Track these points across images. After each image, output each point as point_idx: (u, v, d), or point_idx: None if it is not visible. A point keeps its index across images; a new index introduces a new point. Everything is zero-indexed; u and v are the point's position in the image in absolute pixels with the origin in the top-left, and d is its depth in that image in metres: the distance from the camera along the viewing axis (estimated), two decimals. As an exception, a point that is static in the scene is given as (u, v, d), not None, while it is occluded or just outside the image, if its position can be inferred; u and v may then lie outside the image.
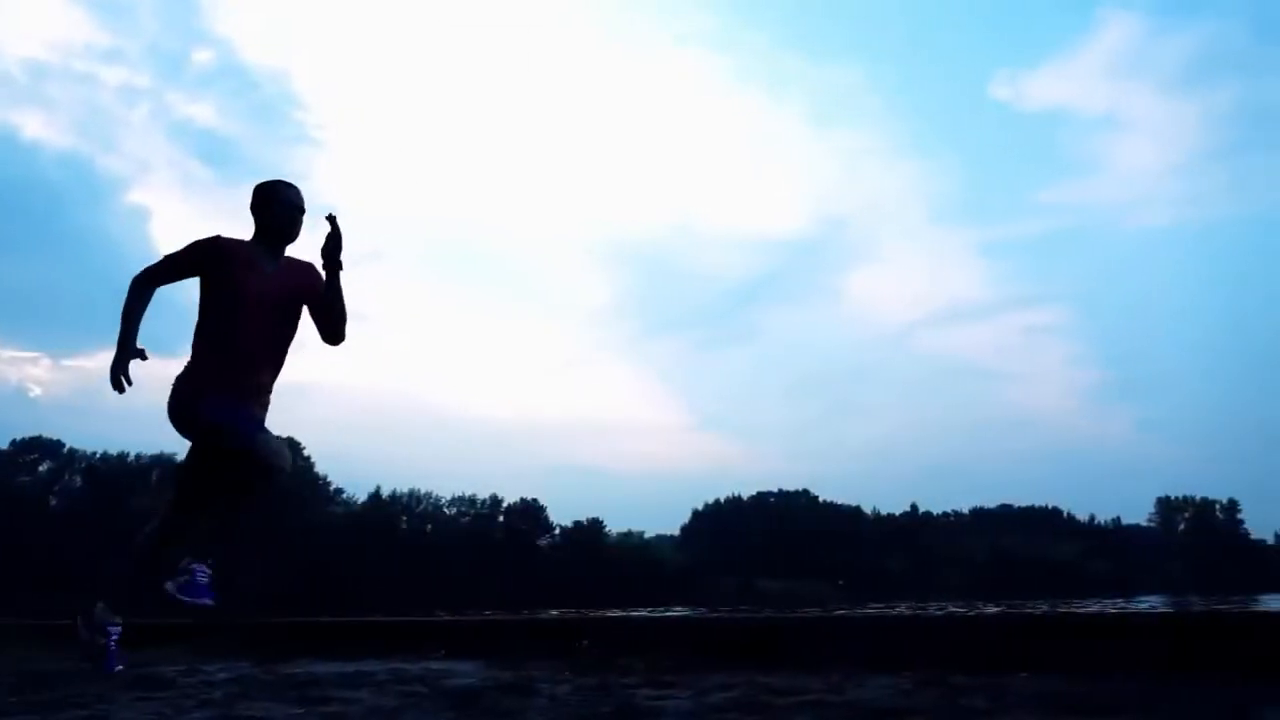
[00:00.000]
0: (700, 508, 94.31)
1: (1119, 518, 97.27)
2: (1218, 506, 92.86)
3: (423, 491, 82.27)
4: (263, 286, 3.15)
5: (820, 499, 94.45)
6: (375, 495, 79.08)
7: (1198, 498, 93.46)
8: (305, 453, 66.80)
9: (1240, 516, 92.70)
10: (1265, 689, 2.06)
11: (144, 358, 3.04)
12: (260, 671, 3.28)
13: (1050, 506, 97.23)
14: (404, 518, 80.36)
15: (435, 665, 3.08)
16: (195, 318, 3.14)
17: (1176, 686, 2.14)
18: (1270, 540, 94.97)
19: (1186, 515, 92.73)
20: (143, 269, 3.14)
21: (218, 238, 3.16)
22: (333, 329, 3.24)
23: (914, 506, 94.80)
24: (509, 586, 65.38)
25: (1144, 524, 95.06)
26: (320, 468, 74.72)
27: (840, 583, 74.46)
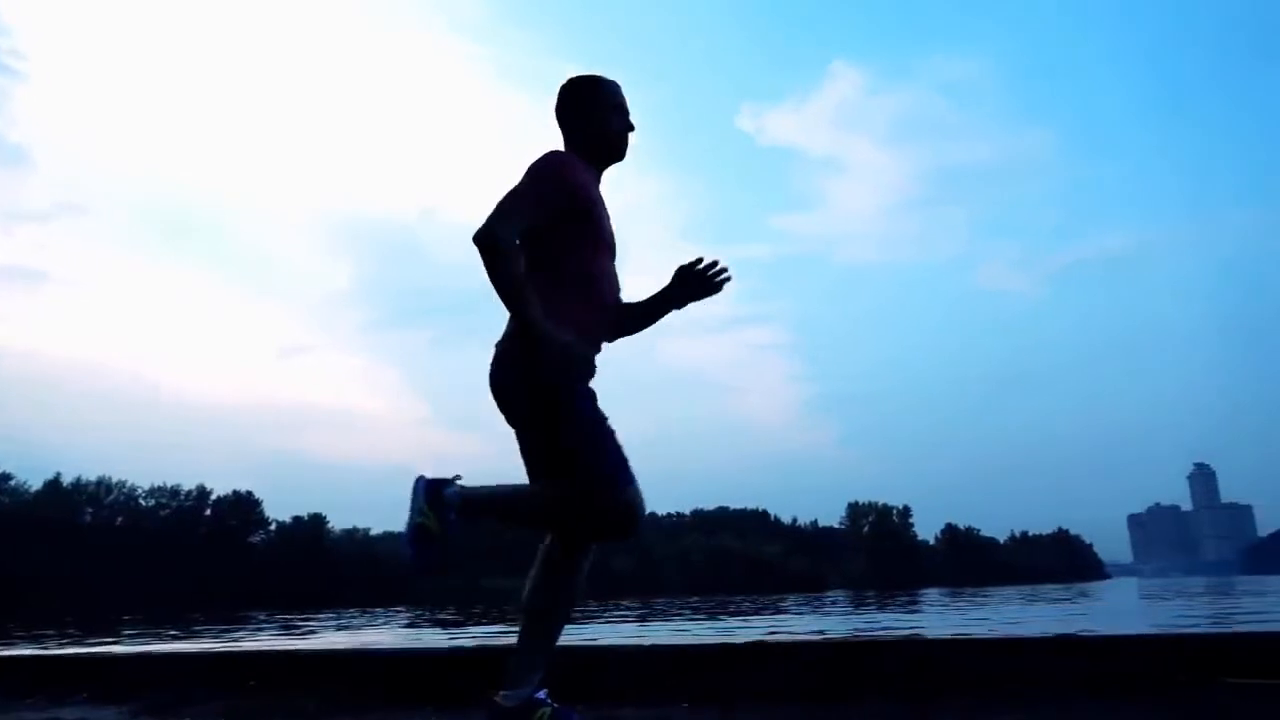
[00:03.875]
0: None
1: (816, 520, 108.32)
2: (895, 512, 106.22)
3: (114, 480, 73.62)
4: (609, 224, 2.34)
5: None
6: (54, 483, 69.69)
7: (880, 503, 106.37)
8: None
9: (911, 520, 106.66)
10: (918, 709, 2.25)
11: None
12: None
13: (761, 509, 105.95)
14: (89, 509, 71.18)
15: (68, 715, 2.72)
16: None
17: (838, 713, 2.26)
18: (932, 540, 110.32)
19: (870, 519, 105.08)
20: (493, 220, 2.07)
21: (573, 156, 2.27)
22: (619, 334, 2.45)
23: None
24: (215, 588, 60.11)
25: (836, 525, 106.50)
26: (-21, 449, 64.48)
27: (567, 580, 76.01)
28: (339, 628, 14.45)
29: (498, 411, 2.17)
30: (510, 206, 2.10)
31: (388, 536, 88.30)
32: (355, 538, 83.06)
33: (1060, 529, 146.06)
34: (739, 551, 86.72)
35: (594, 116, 2.31)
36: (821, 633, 8.90)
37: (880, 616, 13.52)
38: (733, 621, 13.00)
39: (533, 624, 2.19)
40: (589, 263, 2.21)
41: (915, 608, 17.21)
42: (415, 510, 2.03)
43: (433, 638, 10.53)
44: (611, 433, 2.15)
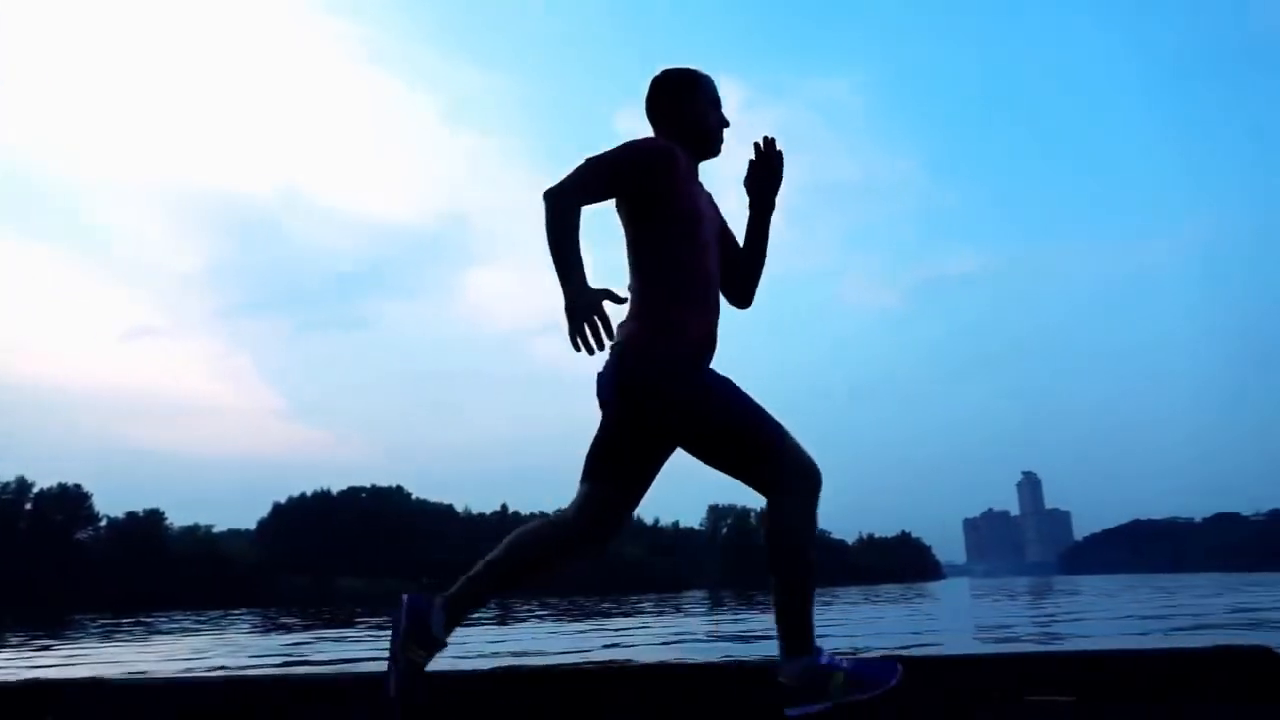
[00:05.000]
0: (283, 501, 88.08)
1: (678, 521, 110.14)
2: (753, 514, 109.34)
3: (-85, 470, 66.33)
4: (710, 212, 2.27)
5: (414, 496, 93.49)
6: None
7: (739, 505, 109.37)
8: None
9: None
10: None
11: (617, 300, 1.99)
12: None
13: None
14: (-118, 503, 64.00)
15: None
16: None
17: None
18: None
19: (729, 521, 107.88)
20: (565, 181, 2.01)
21: (675, 146, 2.16)
22: (748, 285, 2.39)
23: (504, 506, 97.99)
24: (40, 589, 55.26)
25: (697, 527, 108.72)
26: None
27: (424, 580, 74.20)
28: (171, 632, 13.57)
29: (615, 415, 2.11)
30: (587, 170, 2.03)
31: (232, 534, 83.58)
32: (196, 535, 78.16)
33: (903, 531, 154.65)
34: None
35: (693, 110, 2.25)
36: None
37: (723, 618, 13.89)
38: (584, 626, 13.07)
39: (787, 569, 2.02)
40: (697, 265, 2.13)
41: (766, 608, 17.77)
42: (403, 641, 2.02)
43: (271, 645, 10.05)
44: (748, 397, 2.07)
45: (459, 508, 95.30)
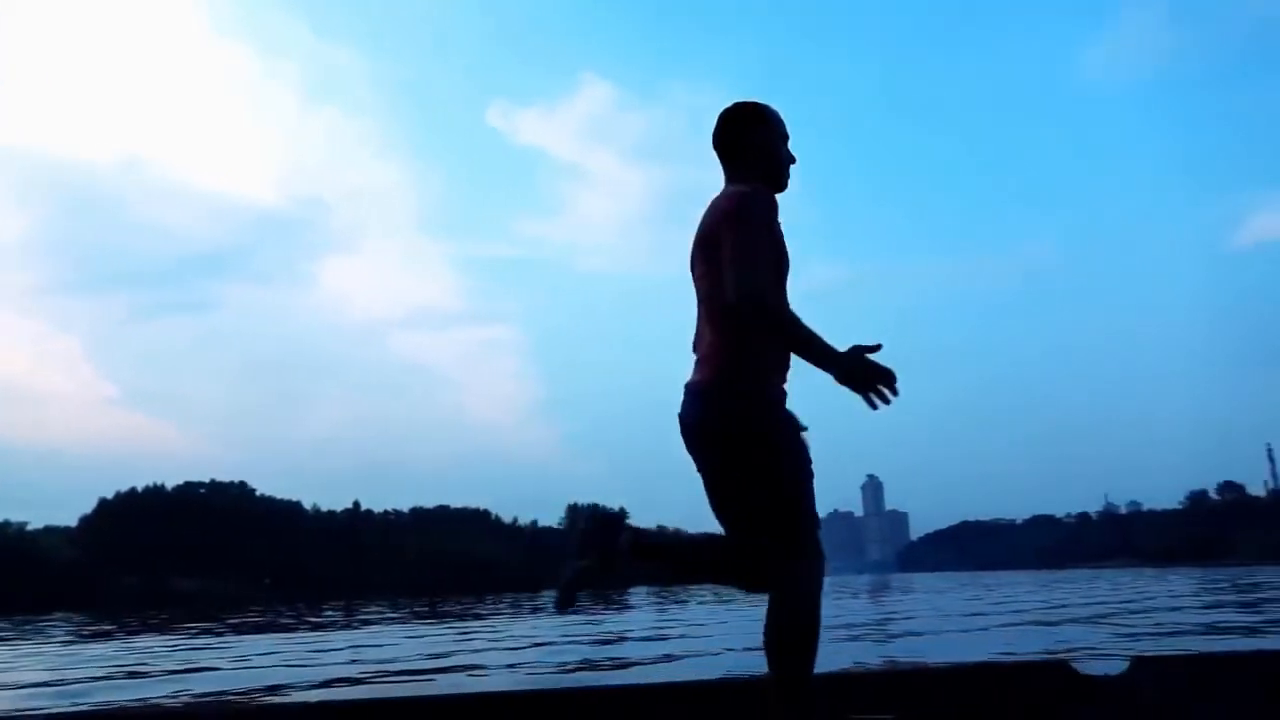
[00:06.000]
0: (110, 497, 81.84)
1: (536, 520, 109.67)
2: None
3: None
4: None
5: (258, 492, 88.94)
6: None
7: (598, 504, 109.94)
8: None
9: (630, 521, 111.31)
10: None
11: (871, 350, 1.95)
12: None
13: (482, 508, 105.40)
14: None
15: None
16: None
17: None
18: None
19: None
20: (753, 278, 1.95)
21: (769, 191, 2.15)
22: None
23: (356, 504, 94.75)
24: None
25: (555, 526, 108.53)
26: None
27: (266, 581, 70.73)
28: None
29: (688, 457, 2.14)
30: (758, 260, 2.00)
31: (50, 532, 76.80)
32: (7, 533, 71.40)
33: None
34: (456, 552, 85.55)
35: (770, 143, 2.23)
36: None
37: (579, 620, 13.94)
38: (438, 630, 12.81)
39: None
40: (784, 301, 2.10)
41: (624, 609, 17.97)
42: (585, 549, 2.09)
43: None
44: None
45: (307, 505, 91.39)
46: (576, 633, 10.30)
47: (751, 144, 2.22)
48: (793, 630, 1.98)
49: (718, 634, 8.95)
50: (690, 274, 2.23)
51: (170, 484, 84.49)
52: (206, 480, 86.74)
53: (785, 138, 2.27)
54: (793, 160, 2.28)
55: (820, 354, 1.97)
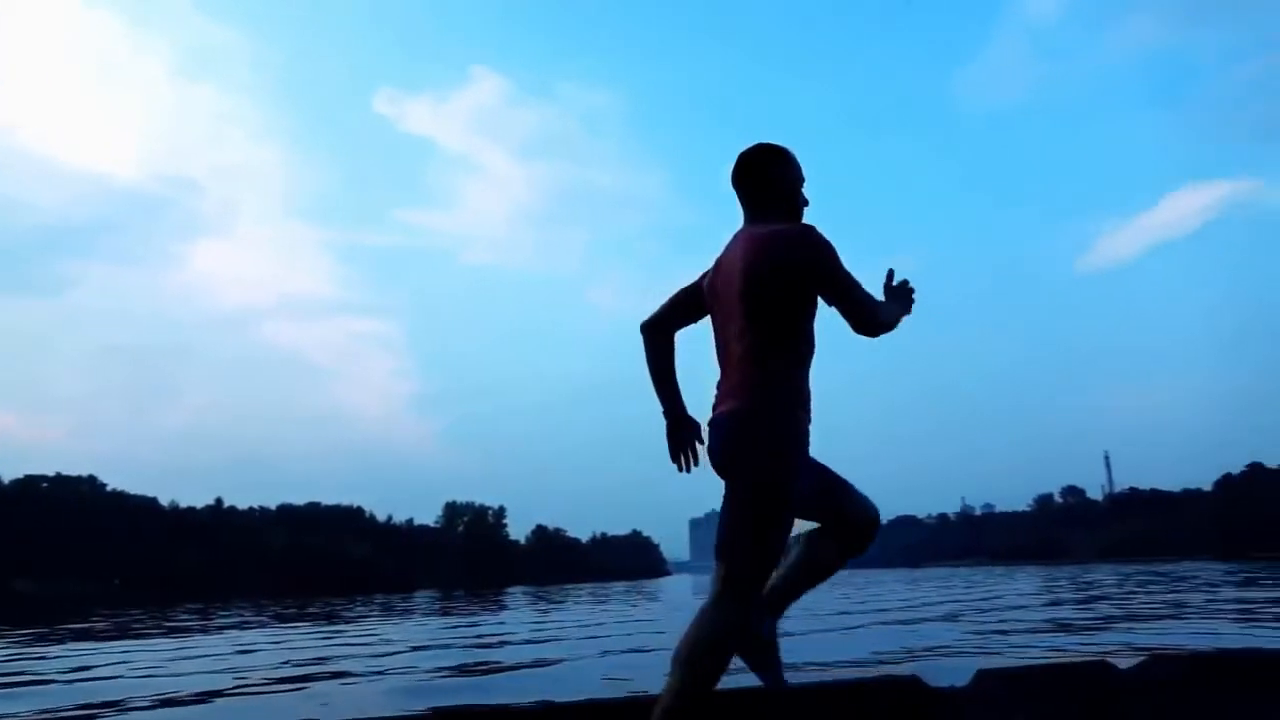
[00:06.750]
0: (-65, 490, 74.66)
1: (412, 519, 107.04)
2: (490, 512, 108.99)
3: None
4: None
5: (109, 487, 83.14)
6: None
7: (477, 503, 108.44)
8: None
9: (505, 521, 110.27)
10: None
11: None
12: None
13: (355, 506, 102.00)
14: None
15: None
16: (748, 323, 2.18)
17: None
18: (523, 540, 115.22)
19: (466, 519, 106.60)
20: (872, 311, 2.20)
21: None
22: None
23: (219, 500, 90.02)
24: None
25: (432, 525, 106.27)
26: None
27: (116, 582, 66.30)
28: None
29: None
30: (862, 293, 2.18)
31: None
32: None
33: (634, 531, 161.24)
34: (325, 550, 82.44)
35: (794, 184, 2.34)
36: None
37: (457, 623, 13.73)
38: (307, 634, 12.37)
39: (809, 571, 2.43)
40: (812, 336, 2.25)
41: (501, 609, 17.82)
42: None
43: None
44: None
45: (164, 501, 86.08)
46: (451, 636, 10.14)
47: (779, 183, 2.31)
48: (702, 649, 2.06)
49: (598, 635, 8.98)
50: (709, 298, 2.32)
51: (7, 478, 77.91)
52: (50, 473, 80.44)
53: (803, 180, 2.38)
54: (807, 203, 2.37)
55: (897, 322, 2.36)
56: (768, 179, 2.30)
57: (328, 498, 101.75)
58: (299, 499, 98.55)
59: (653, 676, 2.10)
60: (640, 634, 9.00)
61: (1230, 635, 6.18)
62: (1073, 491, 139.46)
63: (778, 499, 2.10)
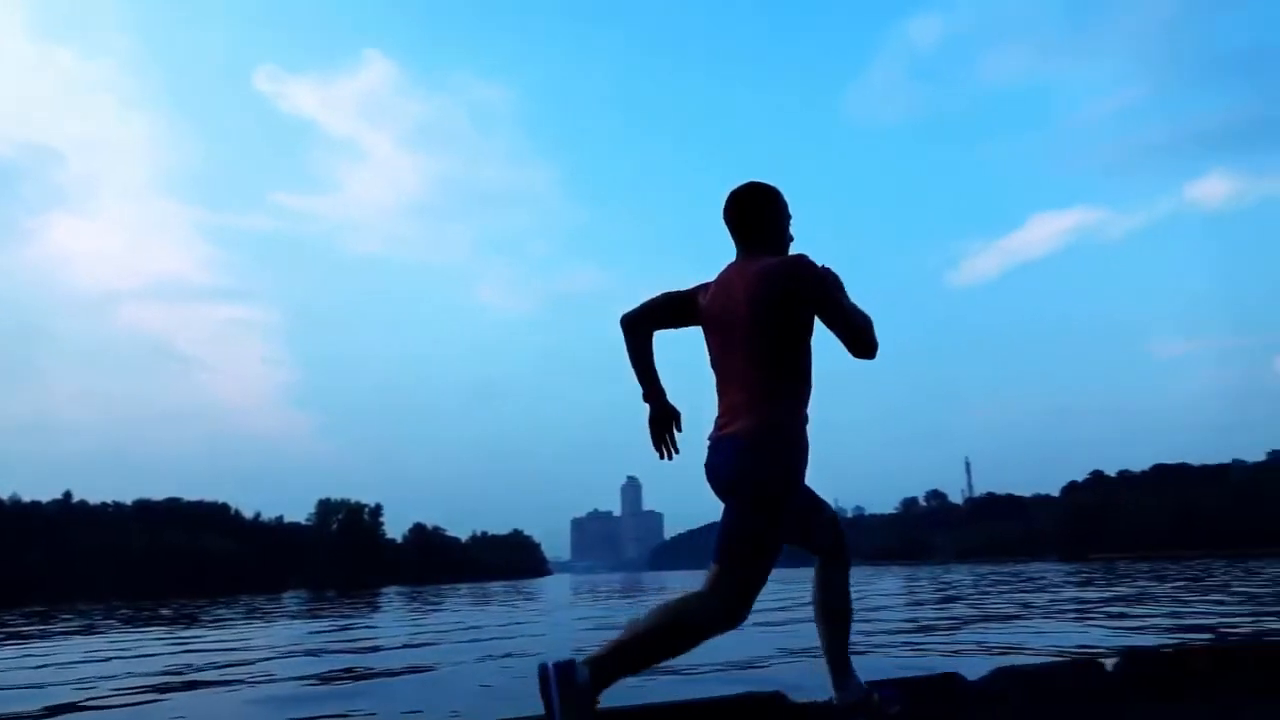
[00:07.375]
0: None
1: (282, 516, 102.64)
2: (366, 510, 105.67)
3: None
4: None
5: (-61, 479, 76.19)
6: None
7: (353, 501, 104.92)
8: None
9: (382, 519, 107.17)
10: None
11: None
12: None
13: (220, 502, 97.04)
14: None
15: None
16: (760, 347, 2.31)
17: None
18: (400, 539, 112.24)
19: (340, 516, 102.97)
20: (868, 331, 2.31)
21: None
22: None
23: (68, 494, 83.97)
24: None
25: (304, 522, 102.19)
26: None
27: (-53, 584, 60.75)
28: None
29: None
30: (861, 318, 2.29)
31: None
32: None
33: (515, 530, 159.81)
34: (186, 549, 77.98)
35: (785, 223, 2.49)
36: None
37: (326, 625, 13.30)
38: (164, 640, 11.71)
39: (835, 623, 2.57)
40: (811, 361, 2.39)
41: (374, 611, 17.31)
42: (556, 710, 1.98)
43: None
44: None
45: (5, 496, 79.51)
46: (319, 640, 9.80)
47: (770, 221, 2.47)
48: (670, 618, 2.17)
49: (477, 639, 8.87)
50: (705, 318, 2.43)
51: None
52: None
53: (790, 217, 2.53)
54: (792, 239, 2.52)
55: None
56: (763, 218, 2.46)
57: (190, 493, 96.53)
58: (158, 494, 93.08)
59: (531, 686, 2.09)
60: (520, 637, 8.94)
61: (1069, 634, 6.71)
62: (936, 495, 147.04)
63: (779, 512, 2.25)
